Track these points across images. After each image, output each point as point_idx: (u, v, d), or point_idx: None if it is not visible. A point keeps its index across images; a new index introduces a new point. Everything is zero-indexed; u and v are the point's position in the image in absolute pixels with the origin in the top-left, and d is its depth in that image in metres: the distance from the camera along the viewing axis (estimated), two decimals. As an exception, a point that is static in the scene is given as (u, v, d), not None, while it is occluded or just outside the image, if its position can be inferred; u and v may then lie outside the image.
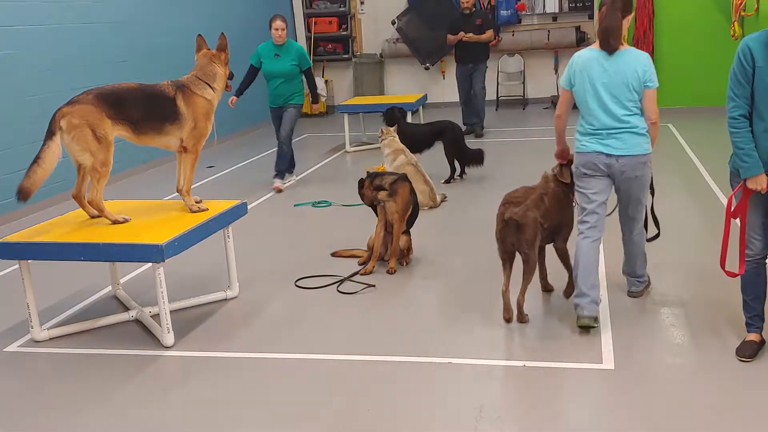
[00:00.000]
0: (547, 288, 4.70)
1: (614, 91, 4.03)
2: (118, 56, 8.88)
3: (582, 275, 4.08)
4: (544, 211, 4.22)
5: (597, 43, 4.16)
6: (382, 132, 7.23)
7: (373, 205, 5.32)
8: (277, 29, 7.91)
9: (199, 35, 4.90)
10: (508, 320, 4.27)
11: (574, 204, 4.41)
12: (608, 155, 4.08)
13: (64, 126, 4.24)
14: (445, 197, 7.14)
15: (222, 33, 4.87)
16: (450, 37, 10.46)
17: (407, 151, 7.01)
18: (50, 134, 4.27)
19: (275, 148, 10.83)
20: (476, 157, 7.88)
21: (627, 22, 4.18)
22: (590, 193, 4.17)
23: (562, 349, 3.94)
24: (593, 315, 4.06)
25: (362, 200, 5.39)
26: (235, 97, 7.94)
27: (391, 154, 6.96)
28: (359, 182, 5.36)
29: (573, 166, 4.33)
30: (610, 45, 4.07)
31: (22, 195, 4.20)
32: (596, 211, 4.16)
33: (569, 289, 4.47)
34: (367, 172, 5.45)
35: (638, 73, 4.03)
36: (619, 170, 4.10)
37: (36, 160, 4.23)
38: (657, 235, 4.68)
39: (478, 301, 4.66)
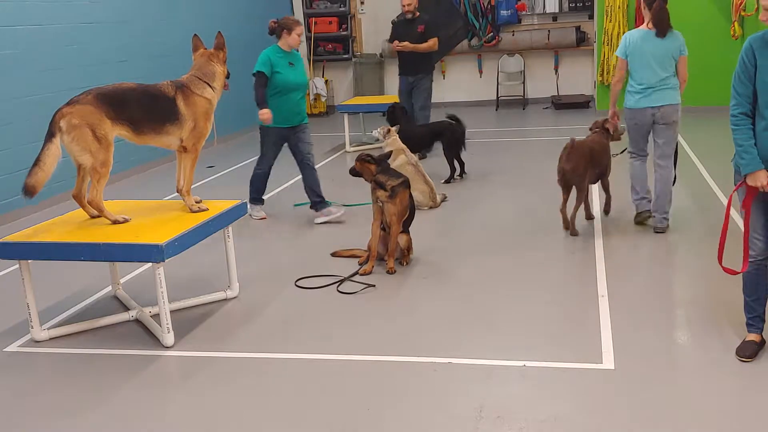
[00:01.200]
0: (589, 216, 6.16)
1: (661, 61, 5.52)
2: (118, 56, 8.88)
3: (638, 184, 5.84)
4: (593, 158, 5.88)
5: (648, 25, 5.61)
6: (383, 131, 7.22)
7: (355, 174, 5.38)
8: (299, 35, 6.66)
9: (195, 35, 4.90)
10: (566, 228, 5.87)
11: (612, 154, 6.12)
12: (653, 107, 5.55)
13: (63, 126, 4.23)
14: (446, 197, 7.14)
15: (219, 32, 4.87)
16: (392, 44, 9.22)
17: (407, 150, 7.01)
18: (50, 135, 4.26)
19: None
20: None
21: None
22: (639, 137, 5.77)
23: (562, 349, 3.94)
24: (648, 209, 5.84)
25: (357, 169, 5.37)
26: (267, 111, 6.61)
27: (392, 154, 6.95)
28: (367, 157, 5.34)
29: (626, 119, 5.76)
30: (663, 30, 5.57)
31: (28, 192, 4.21)
32: (643, 149, 5.83)
33: (607, 207, 6.29)
34: (371, 156, 5.42)
35: (678, 46, 5.57)
36: (660, 117, 5.56)
37: (36, 162, 4.23)
38: (675, 179, 5.88)
39: (478, 301, 4.67)
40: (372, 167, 5.31)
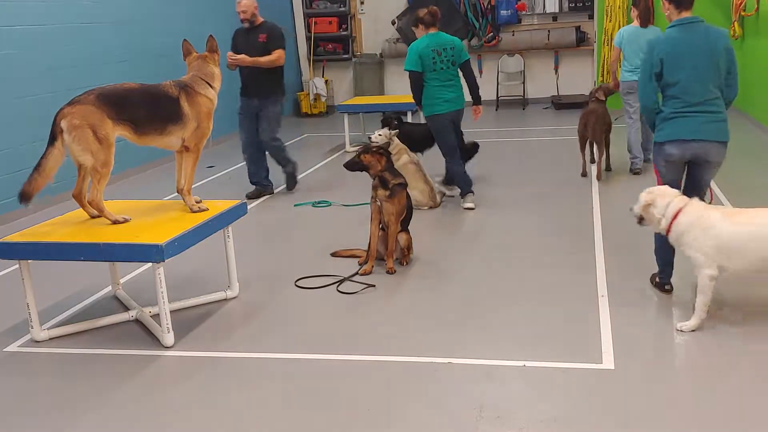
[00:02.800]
0: (608, 167, 7.93)
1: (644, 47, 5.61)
2: (118, 56, 8.88)
3: (634, 145, 7.79)
4: (602, 119, 7.62)
5: (637, 22, 7.54)
6: (386, 134, 7.09)
7: (359, 168, 5.29)
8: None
9: (185, 40, 4.89)
10: (584, 175, 7.77)
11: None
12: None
13: (65, 127, 4.23)
14: (444, 194, 7.14)
15: (211, 35, 4.88)
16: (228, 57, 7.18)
17: (408, 150, 7.01)
18: (52, 139, 4.26)
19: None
20: (470, 152, 7.81)
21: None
22: (632, 101, 7.54)
23: (562, 349, 3.94)
24: (640, 167, 7.70)
25: (365, 162, 5.26)
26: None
27: (395, 154, 6.95)
28: (380, 149, 5.28)
29: (621, 88, 7.82)
30: (647, 22, 7.59)
31: (23, 198, 4.23)
32: (637, 111, 7.58)
33: (608, 162, 7.94)
34: (384, 148, 5.39)
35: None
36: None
37: (36, 167, 4.24)
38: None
39: (478, 300, 4.67)
40: (383, 161, 5.26)
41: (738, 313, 4.28)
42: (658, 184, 4.41)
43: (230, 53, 7.22)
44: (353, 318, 4.55)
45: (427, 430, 3.29)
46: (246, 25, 7.32)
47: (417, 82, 6.72)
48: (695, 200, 4.17)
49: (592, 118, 7.53)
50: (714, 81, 4.35)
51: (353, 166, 5.34)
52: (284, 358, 4.05)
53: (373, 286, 4.99)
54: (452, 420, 3.33)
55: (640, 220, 4.36)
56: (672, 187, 4.31)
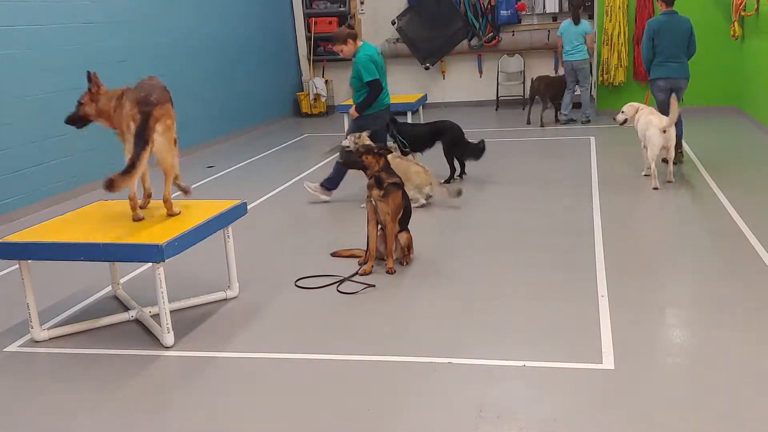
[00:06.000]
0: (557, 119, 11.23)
1: (577, 37, 10.91)
2: (118, 56, 8.89)
3: (565, 103, 11.16)
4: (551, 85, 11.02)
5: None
6: (353, 138, 6.79)
7: (359, 167, 5.28)
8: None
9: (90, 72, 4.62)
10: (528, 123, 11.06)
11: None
12: (573, 60, 10.94)
13: (160, 129, 4.25)
14: (461, 191, 6.92)
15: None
16: None
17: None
18: (145, 143, 4.19)
19: (276, 148, 10.87)
20: (476, 151, 7.82)
21: None
22: (572, 77, 10.98)
23: (562, 349, 3.94)
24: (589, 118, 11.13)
25: (366, 162, 5.23)
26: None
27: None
28: (380, 149, 5.26)
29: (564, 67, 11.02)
30: (578, 20, 10.80)
31: (112, 188, 4.11)
32: (572, 83, 11.04)
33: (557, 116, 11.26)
34: (385, 147, 5.35)
35: (584, 29, 10.58)
36: (578, 65, 10.98)
37: (132, 167, 4.15)
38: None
39: (478, 300, 4.67)
40: (381, 162, 5.25)
41: (737, 313, 4.29)
42: (646, 103, 8.05)
43: None
44: (353, 318, 4.56)
45: (427, 430, 3.29)
46: None
47: (379, 89, 6.96)
48: (647, 108, 7.46)
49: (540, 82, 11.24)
50: (681, 46, 7.91)
51: (353, 165, 5.33)
52: (284, 358, 4.05)
53: (373, 286, 4.99)
54: (452, 420, 3.33)
55: (624, 122, 7.64)
56: (662, 103, 7.81)
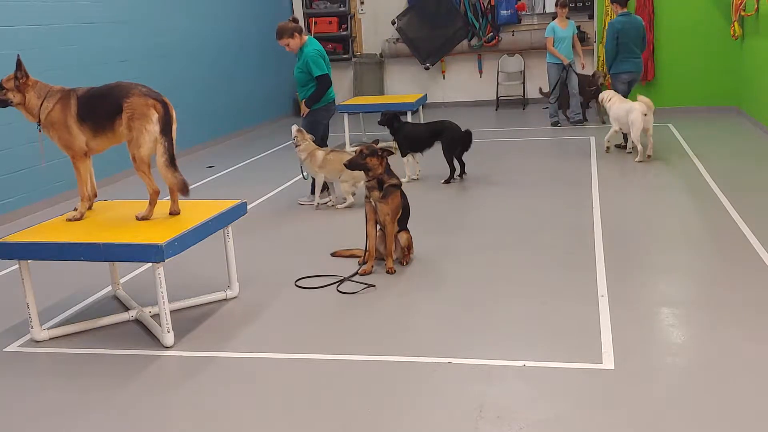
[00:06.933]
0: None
1: (570, 37, 11.15)
2: (118, 56, 8.89)
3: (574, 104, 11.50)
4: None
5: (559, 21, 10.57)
6: (296, 130, 7.03)
7: (364, 169, 5.25)
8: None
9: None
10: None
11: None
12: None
13: (175, 119, 4.46)
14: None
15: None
16: None
17: (319, 147, 7.04)
18: (170, 130, 4.41)
19: (276, 148, 10.86)
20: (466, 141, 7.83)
21: None
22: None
23: (562, 349, 3.94)
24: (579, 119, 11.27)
25: (370, 164, 5.18)
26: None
27: (309, 156, 6.94)
28: (382, 152, 5.22)
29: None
30: (565, 22, 10.97)
31: (187, 188, 4.44)
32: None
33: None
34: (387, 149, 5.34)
35: (572, 30, 10.99)
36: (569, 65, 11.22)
37: (174, 161, 4.39)
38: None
39: (478, 300, 4.67)
40: (384, 164, 5.23)
41: (737, 313, 4.29)
42: (609, 88, 9.42)
43: None
44: (353, 318, 4.56)
45: (427, 430, 3.29)
46: None
47: (328, 83, 7.04)
48: (617, 96, 8.76)
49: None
50: (638, 44, 9.24)
51: (358, 167, 5.27)
52: (284, 358, 4.05)
53: (373, 286, 4.99)
54: (452, 420, 3.33)
55: (601, 99, 9.00)
56: (624, 93, 9.19)
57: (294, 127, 7.05)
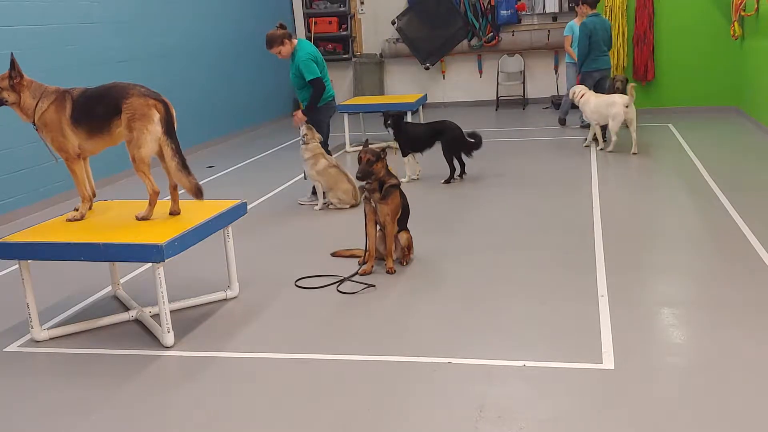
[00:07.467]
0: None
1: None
2: (118, 56, 8.89)
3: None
4: None
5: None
6: (305, 128, 6.97)
7: (371, 175, 5.18)
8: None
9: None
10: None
11: None
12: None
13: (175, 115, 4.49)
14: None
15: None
16: None
17: (326, 154, 7.04)
18: (173, 131, 4.42)
19: (276, 148, 10.87)
20: (475, 144, 7.84)
21: None
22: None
23: (562, 349, 3.94)
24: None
25: (374, 170, 5.13)
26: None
27: (312, 158, 6.94)
28: (382, 154, 5.19)
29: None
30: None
31: (201, 191, 4.46)
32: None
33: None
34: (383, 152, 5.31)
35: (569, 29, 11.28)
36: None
37: (186, 163, 4.41)
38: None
39: (478, 300, 4.67)
40: (384, 165, 5.22)
41: (737, 313, 4.29)
42: (578, 83, 9.71)
43: None
44: (353, 318, 4.56)
45: (427, 430, 3.29)
46: None
47: (322, 87, 6.99)
48: (589, 92, 9.11)
49: None
50: (607, 42, 9.75)
51: (369, 175, 5.16)
52: (284, 358, 4.05)
53: (373, 286, 4.99)
54: (452, 420, 3.33)
55: (573, 94, 9.23)
56: (592, 89, 9.43)
57: (304, 125, 7.02)
